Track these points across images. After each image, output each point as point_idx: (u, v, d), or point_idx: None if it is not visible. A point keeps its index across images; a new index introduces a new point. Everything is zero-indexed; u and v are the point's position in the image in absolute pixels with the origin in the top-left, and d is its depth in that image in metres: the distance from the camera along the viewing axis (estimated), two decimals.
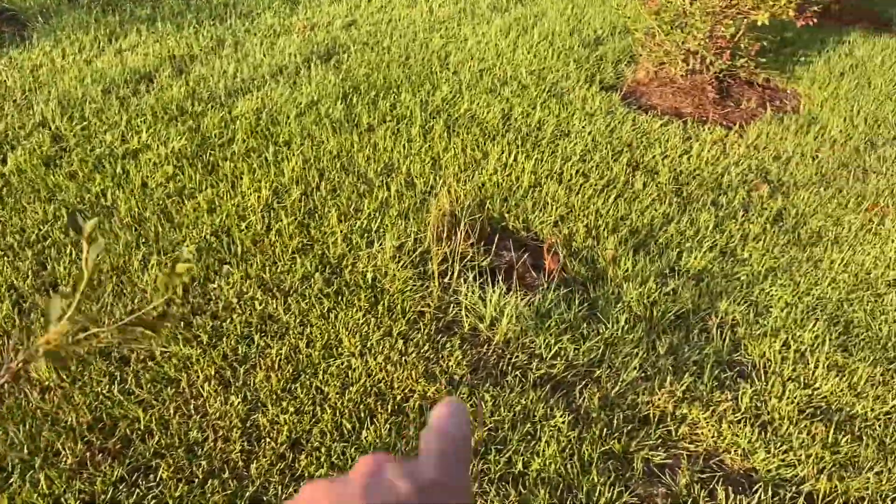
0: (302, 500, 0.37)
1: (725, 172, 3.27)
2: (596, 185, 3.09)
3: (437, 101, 3.75)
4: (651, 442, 1.95)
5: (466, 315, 2.31)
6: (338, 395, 1.99)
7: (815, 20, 3.85)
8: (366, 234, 2.64)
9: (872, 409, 2.10)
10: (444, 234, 2.67)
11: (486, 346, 2.23)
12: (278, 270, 2.43)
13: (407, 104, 3.66)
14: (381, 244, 2.58)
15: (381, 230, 2.67)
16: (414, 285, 2.42)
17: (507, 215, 2.86)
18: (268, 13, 4.91)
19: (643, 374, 2.16)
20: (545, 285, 2.50)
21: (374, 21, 4.91)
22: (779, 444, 1.97)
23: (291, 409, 1.94)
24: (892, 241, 2.83)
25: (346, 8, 5.12)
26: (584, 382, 2.12)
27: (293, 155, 3.12)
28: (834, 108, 3.97)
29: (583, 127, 3.59)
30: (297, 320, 2.24)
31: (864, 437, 2.01)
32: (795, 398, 2.11)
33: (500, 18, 5.11)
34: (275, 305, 2.29)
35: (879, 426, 2.05)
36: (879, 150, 3.55)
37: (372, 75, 3.99)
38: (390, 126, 3.45)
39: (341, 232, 2.62)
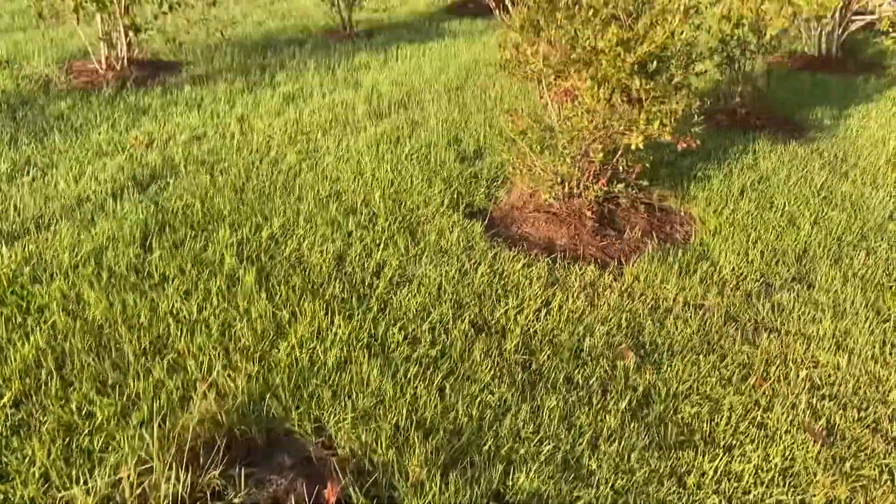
0: None
1: (589, 333, 2.69)
2: (424, 356, 2.48)
3: (263, 239, 3.15)
4: None
5: None
6: None
7: (698, 142, 3.39)
8: (78, 462, 1.96)
9: None
10: (193, 456, 2.01)
11: None
12: None
13: (219, 246, 3.04)
14: (87, 485, 1.89)
15: (105, 451, 2.00)
16: None
17: (295, 412, 2.21)
18: (104, 126, 4.32)
19: None
20: None
21: (228, 133, 4.36)
22: None
23: None
24: (781, 440, 2.24)
25: (201, 118, 4.57)
26: None
27: (41, 328, 2.45)
28: (728, 238, 3.47)
29: (430, 270, 3.01)
30: None
31: None
32: None
33: (375, 127, 4.60)
34: None
35: None
36: (775, 297, 3.02)
37: (192, 206, 3.38)
38: (189, 277, 2.82)
39: (44, 460, 1.94)
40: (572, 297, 2.91)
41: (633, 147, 3.26)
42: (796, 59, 6.78)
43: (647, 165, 3.62)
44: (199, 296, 2.71)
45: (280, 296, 2.75)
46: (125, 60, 5.26)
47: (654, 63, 3.25)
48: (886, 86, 6.12)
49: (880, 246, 3.48)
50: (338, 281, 2.88)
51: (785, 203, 3.88)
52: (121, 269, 2.84)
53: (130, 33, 5.21)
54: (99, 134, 4.20)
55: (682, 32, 3.24)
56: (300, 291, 2.79)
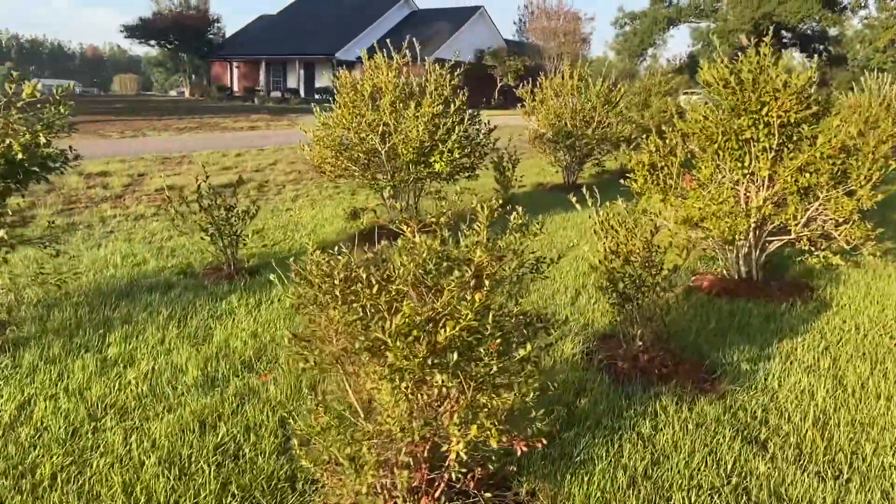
0: None
1: None
2: None
3: None
4: None
5: None
6: None
7: (544, 440, 2.58)
8: None
9: None
10: None
11: None
12: None
13: None
14: None
15: None
16: None
17: None
18: None
19: None
20: None
21: None
22: None
23: None
24: None
25: None
26: None
27: None
28: None
29: None
30: None
31: None
32: None
33: (195, 402, 3.77)
34: None
35: None
36: None
37: None
38: None
39: None
40: None
41: (453, 459, 2.43)
42: (714, 283, 6.27)
43: (491, 467, 2.76)
44: None
45: None
46: None
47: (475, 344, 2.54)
48: (813, 314, 5.53)
49: None
50: None
51: (684, 500, 2.99)
52: None
53: None
54: None
55: (500, 306, 2.58)
56: None
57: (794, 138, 6.09)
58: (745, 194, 6.24)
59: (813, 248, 6.16)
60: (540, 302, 5.69)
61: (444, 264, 2.55)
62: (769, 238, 6.32)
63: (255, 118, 26.90)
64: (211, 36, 50.00)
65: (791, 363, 4.50)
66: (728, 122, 5.92)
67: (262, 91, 45.84)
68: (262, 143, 17.07)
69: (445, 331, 2.36)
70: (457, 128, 7.54)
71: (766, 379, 4.25)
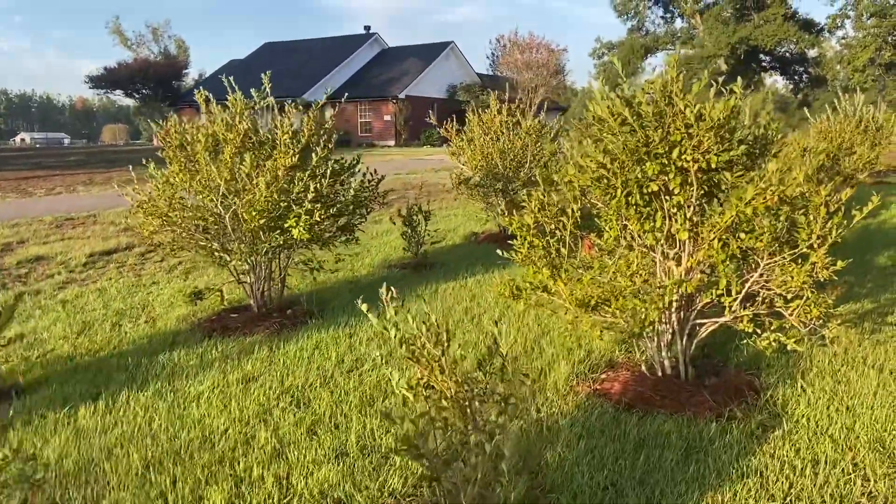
0: None
1: None
2: None
3: None
4: None
5: None
6: None
7: None
8: None
9: None
10: None
11: None
12: None
13: None
14: None
15: None
16: None
17: None
18: None
19: None
20: None
21: None
22: None
23: None
24: None
25: None
26: None
27: None
28: None
29: None
30: None
31: None
32: None
33: None
34: None
35: None
36: None
37: None
38: None
39: None
40: None
41: None
42: (627, 386, 4.65)
43: None
44: None
45: None
46: None
47: None
48: (754, 439, 3.91)
49: None
50: None
51: None
52: None
53: None
54: None
55: None
56: None
57: (724, 187, 4.56)
58: (662, 263, 4.67)
59: (759, 331, 4.57)
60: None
61: None
62: (699, 321, 4.73)
63: None
64: (181, 83, 48.99)
65: None
66: (629, 171, 4.38)
67: None
68: None
69: None
70: (310, 184, 5.99)
71: None
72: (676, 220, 4.43)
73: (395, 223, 8.84)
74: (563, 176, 4.74)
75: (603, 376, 4.89)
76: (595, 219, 5.07)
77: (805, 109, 16.50)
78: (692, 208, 4.41)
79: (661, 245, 4.56)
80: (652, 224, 4.51)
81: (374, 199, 7.08)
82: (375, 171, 7.19)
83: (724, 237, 4.37)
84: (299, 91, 43.11)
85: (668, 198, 4.41)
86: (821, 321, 4.40)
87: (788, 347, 4.42)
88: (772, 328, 4.53)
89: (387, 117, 41.30)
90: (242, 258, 6.25)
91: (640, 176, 4.37)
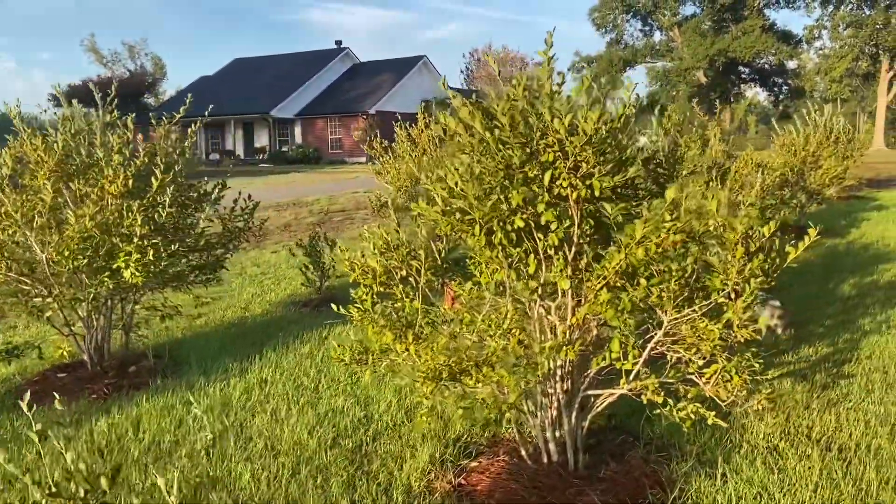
0: None
1: None
2: None
3: None
4: None
5: None
6: None
7: None
8: None
9: None
10: None
11: None
12: None
13: None
14: None
15: None
16: None
17: None
18: None
19: None
20: None
21: None
22: None
23: None
24: None
25: None
26: None
27: None
28: None
29: None
30: None
31: None
32: None
33: None
34: None
35: None
36: None
37: None
38: None
39: None
40: None
41: None
42: (499, 481, 3.56)
43: None
44: None
45: None
46: None
47: None
48: None
49: None
50: None
51: None
52: None
53: None
54: None
55: None
56: None
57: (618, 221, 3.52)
58: (544, 319, 3.61)
59: (669, 400, 3.51)
60: None
61: None
62: (593, 391, 3.67)
63: None
64: (146, 100, 47.86)
65: None
66: (485, 201, 3.32)
67: (198, 153, 43.50)
68: None
69: None
70: (140, 216, 4.90)
71: None
72: (554, 265, 3.38)
73: (294, 255, 7.76)
74: (416, 207, 3.69)
75: (474, 464, 3.80)
76: (468, 260, 4.03)
77: (773, 122, 15.58)
78: (574, 249, 3.36)
79: (537, 296, 3.50)
80: (525, 270, 3.46)
81: (247, 230, 6.01)
82: (249, 196, 6.12)
83: (619, 284, 3.33)
84: (269, 107, 42.05)
85: (541, 236, 3.36)
86: (743, 394, 3.37)
87: (709, 422, 3.38)
88: (689, 397, 3.50)
89: (355, 133, 40.30)
90: (67, 306, 5.14)
91: (503, 207, 3.32)
